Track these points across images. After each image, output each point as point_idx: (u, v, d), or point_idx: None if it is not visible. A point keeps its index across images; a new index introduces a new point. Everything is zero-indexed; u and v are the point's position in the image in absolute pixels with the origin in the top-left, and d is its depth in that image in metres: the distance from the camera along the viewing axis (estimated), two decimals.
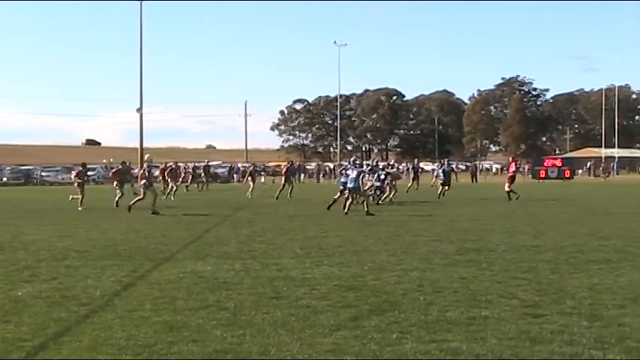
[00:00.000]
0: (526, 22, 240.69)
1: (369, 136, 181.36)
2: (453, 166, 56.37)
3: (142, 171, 29.78)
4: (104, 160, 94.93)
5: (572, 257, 14.34)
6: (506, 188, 35.53)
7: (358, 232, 19.87)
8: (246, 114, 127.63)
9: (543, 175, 68.19)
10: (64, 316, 9.25)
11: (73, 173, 35.10)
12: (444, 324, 8.60)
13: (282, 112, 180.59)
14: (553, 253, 14.94)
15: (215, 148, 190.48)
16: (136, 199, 28.53)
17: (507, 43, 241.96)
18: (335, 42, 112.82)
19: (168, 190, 40.88)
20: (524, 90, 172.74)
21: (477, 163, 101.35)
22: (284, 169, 40.19)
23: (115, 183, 32.74)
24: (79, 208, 30.14)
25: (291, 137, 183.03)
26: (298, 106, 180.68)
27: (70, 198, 32.82)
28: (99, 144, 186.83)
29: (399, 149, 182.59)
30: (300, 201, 36.06)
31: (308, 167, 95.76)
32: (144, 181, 28.41)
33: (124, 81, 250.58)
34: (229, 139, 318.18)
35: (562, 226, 21.04)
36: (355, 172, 27.63)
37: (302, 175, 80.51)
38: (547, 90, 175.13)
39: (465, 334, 8.12)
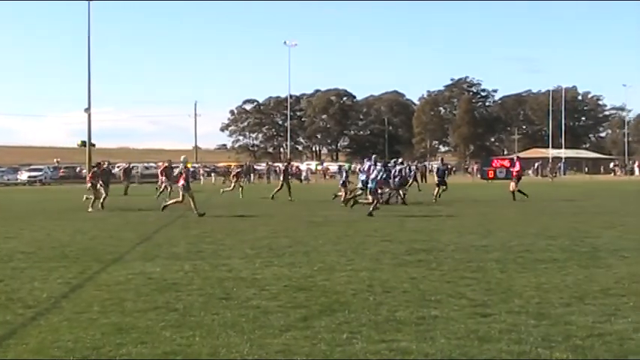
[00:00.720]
0: (474, 23, 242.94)
1: (319, 136, 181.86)
2: (449, 165, 55.89)
3: (180, 172, 28.93)
4: (55, 160, 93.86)
5: (520, 257, 14.49)
6: (511, 188, 35.54)
7: (308, 232, 19.86)
8: (195, 114, 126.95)
9: (492, 176, 68.78)
10: (9, 319, 9.11)
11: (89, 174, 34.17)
12: (393, 324, 8.63)
13: (232, 113, 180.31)
14: (501, 253, 15.08)
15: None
16: (173, 200, 28.39)
17: (456, 44, 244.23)
18: (285, 42, 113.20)
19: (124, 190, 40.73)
20: (473, 91, 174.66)
21: (426, 163, 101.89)
22: (282, 169, 39.85)
23: (97, 185, 30.96)
24: (89, 209, 29.36)
25: (241, 137, 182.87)
26: (248, 107, 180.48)
27: (84, 197, 31.70)
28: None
29: (349, 150, 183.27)
30: (250, 201, 35.97)
31: (258, 167, 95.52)
32: (182, 182, 27.43)
33: (75, 81, 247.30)
34: (179, 140, 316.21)
35: (510, 226, 21.25)
36: (376, 172, 27.55)
37: (252, 176, 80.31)
38: (495, 91, 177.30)
39: (415, 333, 8.15)
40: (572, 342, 7.75)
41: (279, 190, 37.42)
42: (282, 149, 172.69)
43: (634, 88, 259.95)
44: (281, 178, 38.92)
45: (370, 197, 27.14)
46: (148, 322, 8.82)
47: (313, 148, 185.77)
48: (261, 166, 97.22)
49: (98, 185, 30.76)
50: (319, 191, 36.93)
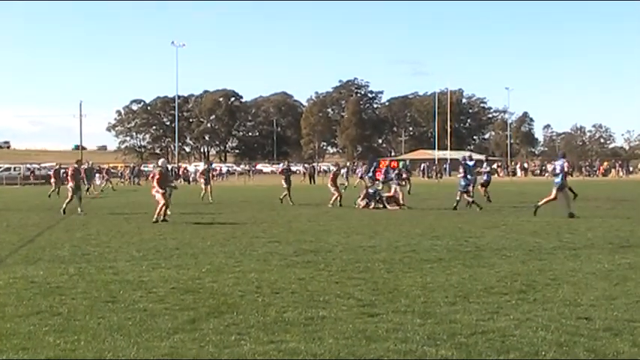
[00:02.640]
0: (362, 25, 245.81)
1: (207, 137, 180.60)
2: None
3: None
4: None
5: (407, 257, 14.70)
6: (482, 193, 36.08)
7: (195, 234, 19.70)
8: (81, 114, 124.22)
9: (379, 177, 69.41)
10: None
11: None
12: (282, 325, 8.63)
13: (118, 113, 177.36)
14: (388, 253, 15.26)
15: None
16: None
17: (345, 46, 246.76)
18: (173, 42, 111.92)
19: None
20: (360, 92, 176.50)
21: (314, 164, 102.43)
22: (279, 170, 38.93)
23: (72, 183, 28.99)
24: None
25: (128, 138, 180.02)
26: (135, 107, 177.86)
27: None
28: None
29: (237, 151, 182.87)
30: (135, 203, 35.44)
31: (145, 169, 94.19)
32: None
33: None
34: (63, 140, 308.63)
35: (396, 227, 21.54)
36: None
37: (137, 179, 79.12)
38: (382, 92, 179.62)
39: (303, 334, 8.16)
40: (456, 340, 7.90)
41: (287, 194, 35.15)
42: (169, 150, 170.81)
43: (516, 92, 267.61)
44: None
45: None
46: (30, 327, 8.57)
47: (201, 149, 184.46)
48: (149, 167, 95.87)
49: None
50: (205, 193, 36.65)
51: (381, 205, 30.78)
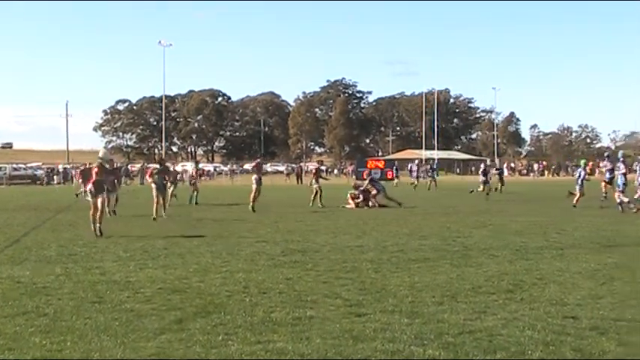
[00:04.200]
0: (350, 25, 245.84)
1: (194, 137, 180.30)
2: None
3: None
4: None
5: (394, 256, 14.72)
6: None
7: (183, 234, 19.66)
8: (67, 114, 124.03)
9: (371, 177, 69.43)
10: None
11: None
12: (269, 325, 8.62)
13: (105, 113, 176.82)
14: (375, 253, 15.28)
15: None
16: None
17: (333, 46, 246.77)
18: (160, 42, 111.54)
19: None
20: (348, 92, 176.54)
21: (302, 164, 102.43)
22: (313, 170, 36.11)
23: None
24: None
25: (114, 138, 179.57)
26: (121, 107, 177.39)
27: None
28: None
29: (224, 151, 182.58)
30: (123, 204, 35.33)
31: (132, 169, 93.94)
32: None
33: None
34: (50, 140, 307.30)
35: (384, 226, 21.57)
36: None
37: (124, 178, 78.73)
38: (370, 92, 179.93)
39: (291, 334, 8.16)
40: (444, 339, 7.91)
41: (318, 194, 32.86)
42: (156, 150, 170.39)
43: (503, 91, 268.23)
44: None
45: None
46: (16, 327, 8.54)
47: (188, 149, 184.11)
48: (136, 167, 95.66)
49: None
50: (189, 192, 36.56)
51: (376, 204, 31.05)
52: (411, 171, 54.54)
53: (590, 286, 11.18)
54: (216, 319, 8.95)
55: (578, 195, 30.54)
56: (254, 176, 29.79)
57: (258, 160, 34.58)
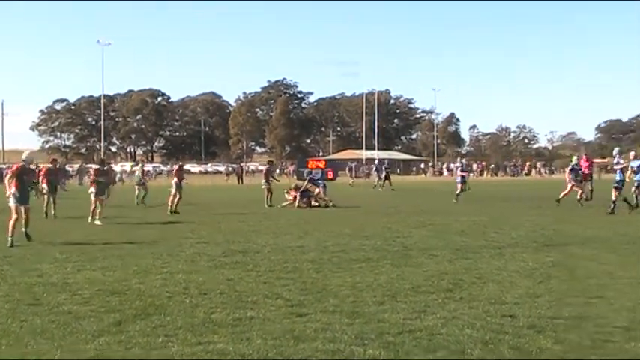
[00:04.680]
0: (291, 25, 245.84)
1: (133, 137, 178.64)
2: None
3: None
4: None
5: (335, 256, 14.75)
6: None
7: (122, 235, 19.47)
8: (2, 113, 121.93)
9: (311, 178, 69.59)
10: None
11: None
12: (210, 326, 8.58)
13: (42, 112, 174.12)
14: (317, 253, 15.30)
15: None
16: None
17: (273, 46, 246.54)
18: (98, 41, 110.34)
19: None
20: (289, 93, 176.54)
21: (242, 164, 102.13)
22: (264, 170, 35.65)
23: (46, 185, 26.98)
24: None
25: (52, 138, 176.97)
26: (59, 106, 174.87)
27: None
28: None
29: (164, 151, 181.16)
30: (63, 205, 34.84)
31: (69, 169, 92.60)
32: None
33: None
34: None
35: (326, 226, 21.61)
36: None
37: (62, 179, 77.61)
38: (311, 93, 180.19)
39: (231, 335, 8.13)
40: (384, 339, 7.95)
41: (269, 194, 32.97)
42: (96, 150, 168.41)
43: (443, 92, 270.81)
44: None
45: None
46: None
47: (128, 149, 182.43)
48: (74, 167, 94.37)
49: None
50: (134, 193, 36.17)
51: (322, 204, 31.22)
52: (378, 171, 54.93)
53: (527, 284, 11.33)
54: (157, 320, 8.88)
55: (579, 190, 30.90)
56: (174, 180, 29.62)
57: (180, 164, 34.18)
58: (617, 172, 27.23)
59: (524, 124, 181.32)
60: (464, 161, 44.48)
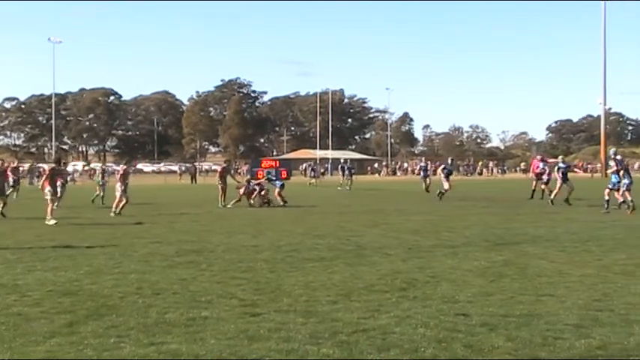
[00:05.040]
0: (245, 25, 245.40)
1: (85, 136, 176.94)
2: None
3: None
4: None
5: (289, 256, 14.74)
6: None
7: (74, 235, 19.27)
8: None
9: (261, 176, 69.35)
10: None
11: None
12: (163, 326, 8.52)
13: None
14: (270, 252, 15.28)
15: None
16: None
17: (227, 45, 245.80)
18: (49, 39, 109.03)
19: None
20: (243, 92, 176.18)
21: (196, 164, 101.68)
22: (219, 170, 35.19)
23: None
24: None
25: (1, 137, 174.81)
26: (8, 105, 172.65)
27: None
28: None
29: (117, 150, 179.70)
30: (15, 204, 34.40)
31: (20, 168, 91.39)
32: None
33: None
34: None
35: (279, 226, 21.59)
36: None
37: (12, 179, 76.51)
38: (265, 92, 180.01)
39: (185, 335, 8.08)
40: (338, 338, 7.95)
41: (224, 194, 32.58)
42: (46, 149, 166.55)
43: (397, 92, 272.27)
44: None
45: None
46: None
47: (80, 149, 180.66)
48: (24, 167, 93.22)
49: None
50: (87, 192, 35.84)
51: (267, 203, 31.25)
52: (343, 170, 55.11)
53: (480, 283, 11.43)
54: (109, 321, 8.79)
55: (569, 189, 31.45)
56: (117, 184, 28.68)
57: (124, 167, 33.76)
58: (613, 175, 27.76)
59: (477, 124, 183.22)
60: (343, 160, 45.99)
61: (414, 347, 7.59)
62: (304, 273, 12.53)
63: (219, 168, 35.71)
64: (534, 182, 36.27)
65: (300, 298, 10.18)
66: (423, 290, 10.82)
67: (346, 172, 54.10)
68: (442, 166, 37.50)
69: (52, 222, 22.47)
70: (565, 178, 31.53)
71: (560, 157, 36.31)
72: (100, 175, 36.16)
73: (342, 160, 66.17)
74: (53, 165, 26.52)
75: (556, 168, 32.23)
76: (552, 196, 30.98)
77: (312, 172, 69.61)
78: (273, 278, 12.00)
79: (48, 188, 23.56)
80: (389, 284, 11.32)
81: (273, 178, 34.75)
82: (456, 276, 12.14)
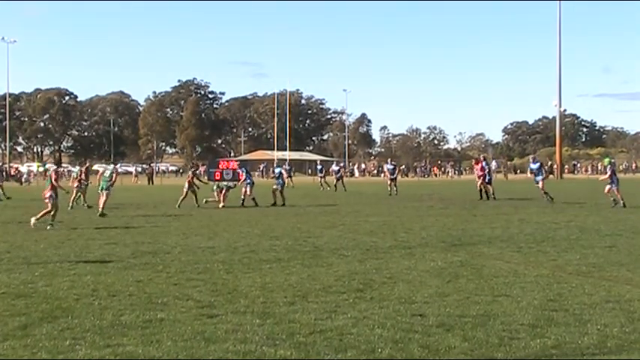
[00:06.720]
0: (201, 25, 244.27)
1: (39, 137, 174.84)
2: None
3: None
4: None
5: (246, 257, 14.72)
6: (479, 186, 37.01)
7: (28, 236, 19.07)
8: None
9: (218, 178, 69.14)
10: None
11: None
12: (119, 328, 8.46)
13: None
14: (227, 254, 15.24)
15: None
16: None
17: (184, 46, 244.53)
18: (3, 38, 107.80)
19: None
20: (200, 93, 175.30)
21: (153, 165, 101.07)
22: (189, 174, 35.59)
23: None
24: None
25: None
26: None
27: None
28: None
29: (72, 151, 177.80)
30: None
31: None
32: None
33: None
34: None
35: (236, 227, 21.54)
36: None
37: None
38: (223, 93, 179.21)
39: (141, 337, 8.04)
40: (295, 339, 7.96)
41: (185, 197, 32.60)
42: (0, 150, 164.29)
43: (354, 93, 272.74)
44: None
45: None
46: None
47: (34, 149, 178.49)
48: None
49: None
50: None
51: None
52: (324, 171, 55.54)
53: (437, 284, 11.50)
54: (64, 323, 8.71)
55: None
56: (75, 184, 29.64)
57: (82, 167, 33.21)
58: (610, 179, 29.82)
59: (434, 125, 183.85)
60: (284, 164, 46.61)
61: (371, 348, 7.62)
62: (261, 274, 12.52)
63: (189, 174, 35.65)
64: (479, 183, 37.00)
65: (257, 300, 10.18)
66: (380, 291, 10.86)
67: (318, 173, 54.52)
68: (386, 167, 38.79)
69: (48, 227, 21.91)
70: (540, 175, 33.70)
71: (530, 156, 38.16)
72: (83, 176, 35.26)
73: (334, 165, 66.17)
74: (56, 167, 26.21)
75: (528, 169, 34.18)
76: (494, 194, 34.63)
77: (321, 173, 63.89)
78: (230, 279, 11.97)
79: (50, 193, 22.68)
80: (346, 285, 11.35)
81: (249, 180, 34.97)
82: (412, 277, 12.20)
